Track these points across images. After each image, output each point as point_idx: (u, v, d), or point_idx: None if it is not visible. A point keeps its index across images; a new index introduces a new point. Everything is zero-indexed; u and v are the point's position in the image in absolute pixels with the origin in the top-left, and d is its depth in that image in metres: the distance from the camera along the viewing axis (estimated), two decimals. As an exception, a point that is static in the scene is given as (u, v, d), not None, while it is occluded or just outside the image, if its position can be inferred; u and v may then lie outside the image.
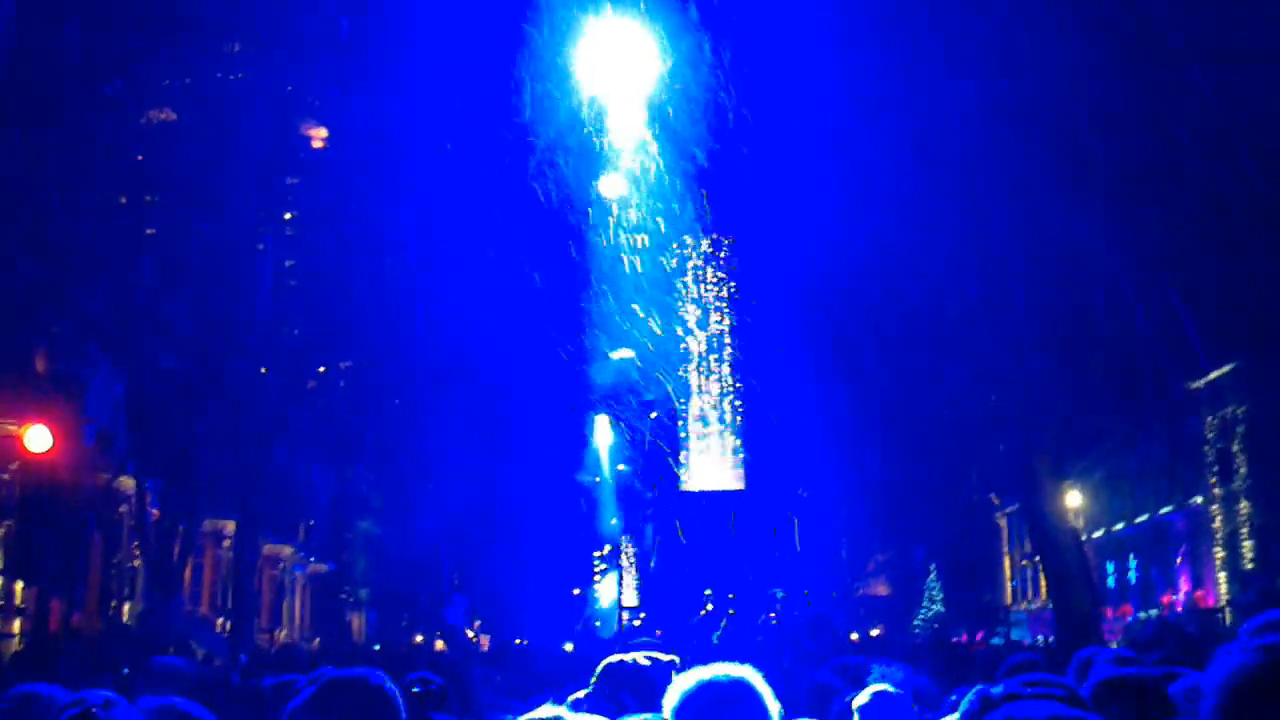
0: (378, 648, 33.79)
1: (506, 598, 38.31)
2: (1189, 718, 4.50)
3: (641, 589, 35.39)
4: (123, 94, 28.13)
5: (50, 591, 30.96)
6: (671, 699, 4.16)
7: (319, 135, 34.81)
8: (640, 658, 5.26)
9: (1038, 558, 32.70)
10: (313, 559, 44.93)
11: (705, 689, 4.09)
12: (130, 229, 29.92)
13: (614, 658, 5.29)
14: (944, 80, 21.74)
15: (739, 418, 36.41)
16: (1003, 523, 46.16)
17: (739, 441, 36.65)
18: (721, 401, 35.92)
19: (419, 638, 41.35)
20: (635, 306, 32.03)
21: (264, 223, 33.47)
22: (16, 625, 30.44)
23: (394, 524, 37.94)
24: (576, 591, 35.09)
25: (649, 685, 4.99)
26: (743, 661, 4.42)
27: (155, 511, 33.25)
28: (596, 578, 35.32)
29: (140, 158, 29.71)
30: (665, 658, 5.27)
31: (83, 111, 27.48)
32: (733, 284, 36.32)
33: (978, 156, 21.88)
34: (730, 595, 33.59)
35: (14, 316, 28.67)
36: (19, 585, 30.61)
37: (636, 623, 34.70)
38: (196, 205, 30.09)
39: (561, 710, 4.30)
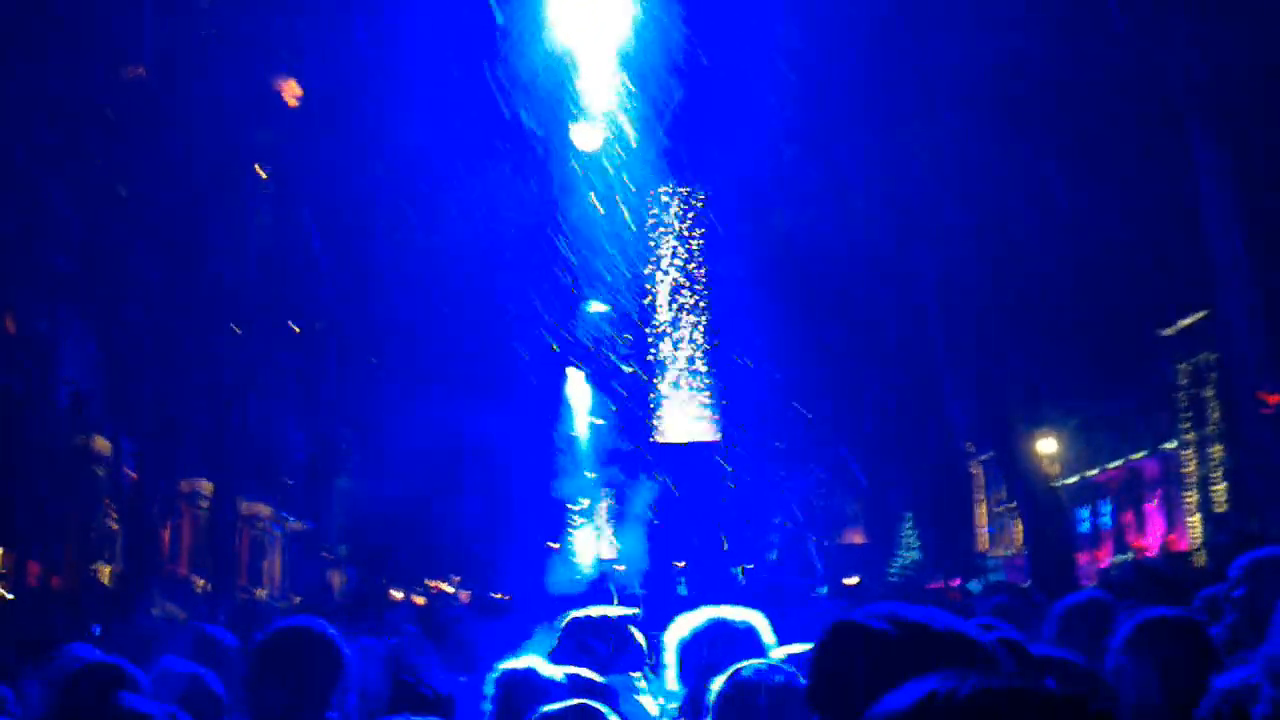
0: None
1: (484, 552, 38.48)
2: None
3: (617, 541, 35.59)
4: (92, 49, 27.83)
5: (27, 553, 30.92)
6: (679, 634, 4.26)
7: (291, 90, 34.53)
8: (604, 610, 5.40)
9: (1013, 504, 32.99)
10: (291, 517, 44.92)
11: (712, 627, 4.20)
12: (100, 186, 29.70)
13: (577, 612, 5.42)
14: (912, 35, 21.74)
15: (713, 369, 36.46)
16: (977, 470, 46.44)
17: (713, 394, 36.72)
18: (696, 353, 35.94)
19: (399, 593, 41.54)
20: (611, 258, 31.95)
21: (236, 178, 33.24)
22: (-7, 587, 30.42)
23: (372, 480, 37.98)
24: (555, 545, 35.26)
25: (615, 633, 5.15)
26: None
27: (131, 472, 33.18)
28: (574, 531, 35.50)
29: (110, 114, 29.45)
30: (627, 611, 5.43)
31: (50, 66, 27.20)
32: (703, 236, 36.25)
33: (943, 109, 21.92)
34: (681, 565, 33.83)
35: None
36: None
37: (619, 568, 34.94)
38: (167, 161, 29.85)
39: (537, 660, 4.39)
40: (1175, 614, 4.36)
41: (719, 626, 4.24)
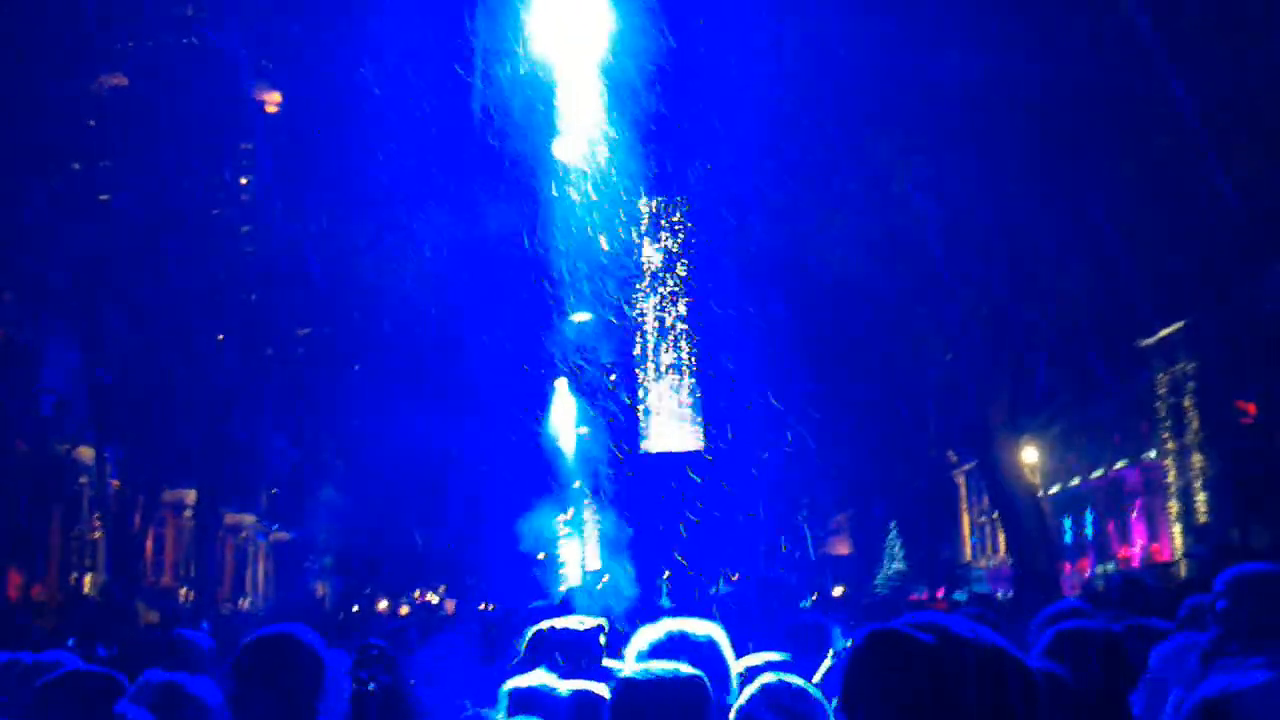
0: (346, 613, 33.94)
1: (469, 563, 38.47)
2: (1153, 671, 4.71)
3: (603, 552, 35.55)
4: (75, 58, 27.86)
5: (9, 562, 30.82)
6: (638, 647, 4.32)
7: (272, 99, 34.54)
8: (568, 622, 5.44)
9: (996, 515, 33.10)
10: (275, 527, 44.89)
11: (671, 640, 4.24)
12: (83, 196, 29.68)
13: (542, 624, 5.47)
14: (896, 43, 21.85)
15: (696, 379, 36.54)
16: (961, 480, 46.61)
17: (698, 403, 36.79)
18: (679, 363, 36.01)
19: (384, 603, 41.53)
20: (593, 269, 31.95)
21: (218, 188, 33.20)
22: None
23: (355, 491, 37.94)
24: (542, 555, 35.21)
25: (578, 647, 5.19)
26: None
27: (115, 481, 33.11)
28: (560, 542, 35.46)
29: (92, 123, 29.43)
30: (592, 621, 5.45)
31: (33, 74, 27.19)
32: (687, 246, 36.30)
33: (928, 118, 22.04)
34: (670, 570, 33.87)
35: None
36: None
37: (599, 586, 34.86)
38: (150, 171, 29.85)
39: (545, 675, 4.45)
40: (1092, 625, 4.57)
41: (678, 640, 4.28)
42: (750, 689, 3.93)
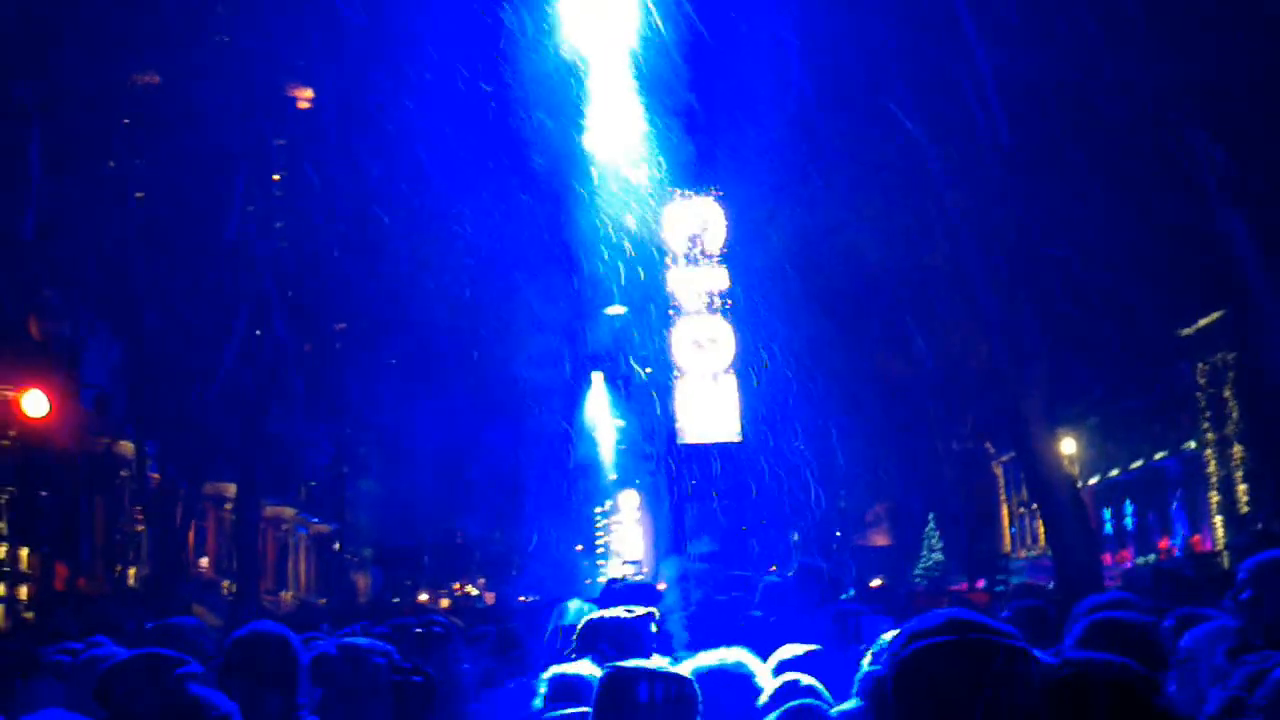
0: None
1: (508, 555, 38.64)
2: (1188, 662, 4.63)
3: (643, 543, 35.65)
4: (108, 52, 28.07)
5: (53, 556, 31.17)
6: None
7: (304, 95, 34.71)
8: (619, 612, 5.46)
9: (1035, 506, 32.93)
10: (315, 519, 45.19)
11: (705, 676, 4.26)
12: (120, 192, 29.94)
13: (594, 614, 5.50)
14: (934, 30, 21.76)
15: (734, 370, 36.42)
16: (999, 471, 46.42)
17: (736, 394, 36.67)
18: (716, 354, 35.93)
19: (424, 595, 41.73)
20: (628, 260, 31.99)
21: (253, 184, 33.40)
22: (24, 591, 30.72)
23: (394, 483, 38.16)
24: (580, 548, 35.35)
25: (629, 637, 5.20)
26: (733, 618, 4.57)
27: (155, 475, 33.42)
28: (599, 533, 35.57)
29: (126, 120, 29.68)
30: (642, 610, 5.46)
31: (66, 72, 27.43)
32: (722, 235, 36.14)
33: (966, 105, 21.93)
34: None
35: (6, 281, 28.73)
36: (23, 551, 30.84)
37: (639, 576, 34.97)
38: (184, 167, 30.06)
39: (588, 665, 4.49)
40: (1128, 616, 4.49)
41: (715, 675, 4.30)
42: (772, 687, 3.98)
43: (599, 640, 5.28)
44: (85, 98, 27.75)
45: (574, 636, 5.50)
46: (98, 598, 31.45)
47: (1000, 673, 2.28)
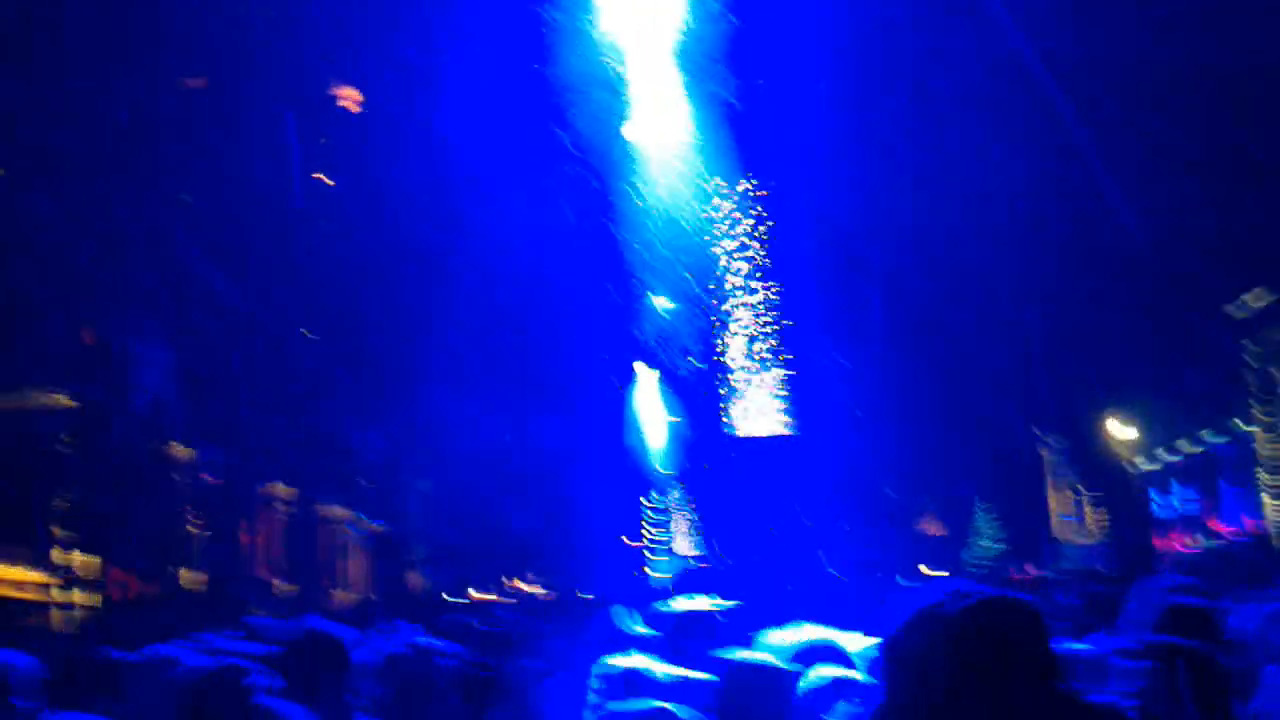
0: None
1: (562, 551, 38.78)
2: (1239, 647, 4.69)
3: (695, 536, 35.79)
4: (158, 61, 28.43)
5: (111, 561, 31.62)
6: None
7: (351, 95, 34.98)
8: (705, 603, 5.53)
9: (1087, 490, 32.79)
10: (369, 519, 45.49)
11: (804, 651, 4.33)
12: (169, 197, 30.30)
13: (680, 604, 5.56)
14: (973, 24, 21.72)
15: (782, 361, 36.51)
16: (1049, 456, 46.12)
17: (784, 385, 36.78)
18: (763, 345, 36.01)
19: (480, 593, 41.96)
20: (673, 253, 32.06)
21: (301, 186, 33.69)
22: (80, 595, 31.12)
23: (446, 481, 38.45)
24: (631, 541, 35.49)
25: (714, 630, 5.27)
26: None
27: (212, 478, 33.83)
28: (650, 528, 35.70)
29: (172, 124, 30.03)
30: (729, 603, 5.52)
31: (114, 77, 27.77)
32: (766, 224, 36.19)
33: (1013, 90, 21.86)
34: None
35: (61, 289, 29.16)
36: (81, 556, 31.28)
37: (701, 564, 35.08)
38: (232, 169, 30.38)
39: (644, 659, 4.58)
40: (1194, 602, 4.57)
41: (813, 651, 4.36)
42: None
43: (688, 631, 5.35)
44: (131, 102, 28.11)
45: (653, 628, 5.57)
46: (155, 601, 31.89)
47: (1008, 633, 2.37)
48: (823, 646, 4.38)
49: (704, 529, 35.00)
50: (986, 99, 22.55)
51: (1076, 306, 23.36)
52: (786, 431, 36.26)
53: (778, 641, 4.47)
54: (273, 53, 30.94)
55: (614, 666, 4.67)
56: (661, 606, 5.80)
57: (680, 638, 5.28)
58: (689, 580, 29.61)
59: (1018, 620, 2.45)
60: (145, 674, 5.15)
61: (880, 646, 2.55)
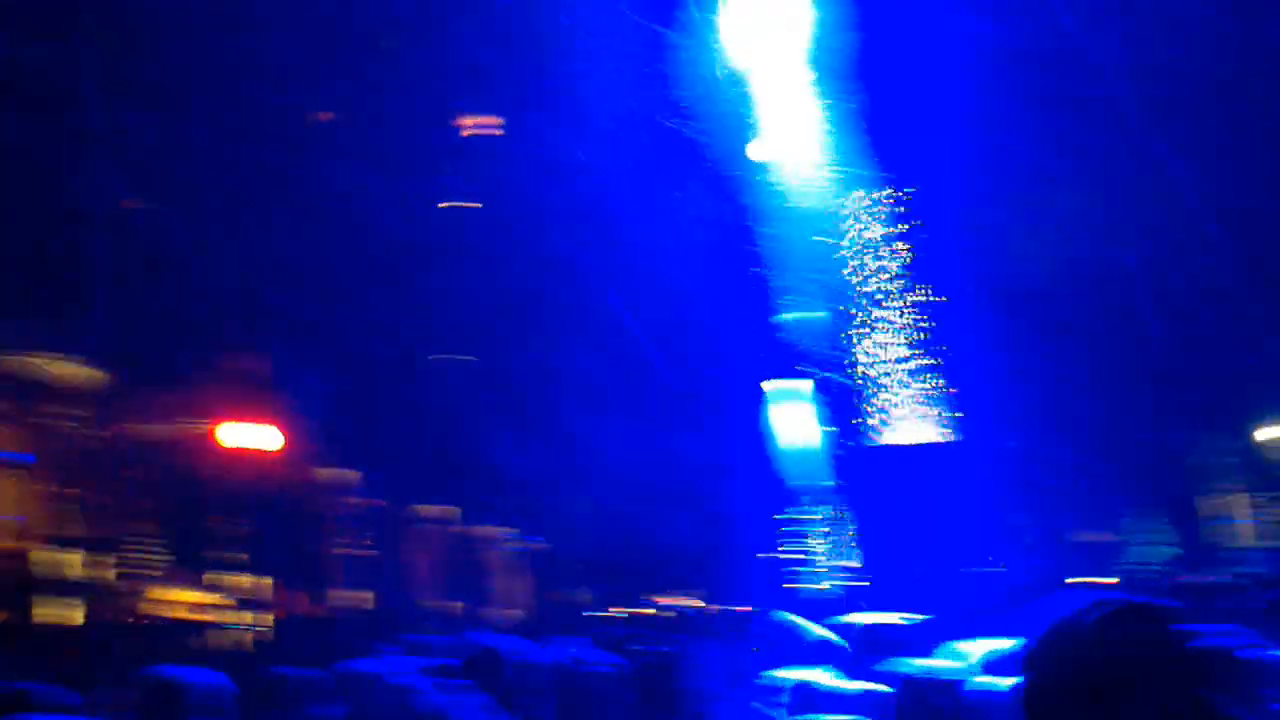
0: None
1: (712, 563, 38.74)
2: None
3: (849, 548, 35.40)
4: (294, 98, 29.34)
5: (287, 584, 32.63)
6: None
7: (492, 122, 35.53)
8: (887, 616, 5.48)
9: (1263, 493, 31.63)
10: (530, 537, 46.06)
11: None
12: (326, 225, 31.17)
13: (859, 617, 5.51)
14: (1099, 35, 21.27)
15: (936, 366, 35.93)
16: (1222, 458, 44.63)
17: (937, 392, 36.18)
18: (914, 352, 35.50)
19: (638, 608, 42.11)
20: (812, 263, 31.87)
21: (445, 213, 34.25)
22: (253, 616, 32.10)
23: (601, 497, 38.70)
24: (780, 553, 35.32)
25: (899, 642, 5.21)
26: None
27: (375, 501, 34.68)
28: (800, 540, 35.43)
29: (312, 155, 30.93)
30: (913, 616, 5.46)
31: (249, 104, 28.68)
32: (912, 225, 35.64)
33: (1183, 101, 21.33)
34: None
35: (224, 317, 30.23)
36: (252, 578, 32.29)
37: (862, 583, 34.74)
38: (384, 195, 31.09)
39: (822, 674, 4.56)
40: None
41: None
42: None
43: (872, 644, 5.33)
44: (271, 136, 29.07)
45: (834, 644, 5.53)
46: (324, 621, 32.75)
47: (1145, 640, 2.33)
48: (1010, 656, 4.31)
49: (859, 540, 34.59)
50: (1146, 100, 22.01)
51: (1252, 304, 22.61)
52: (940, 439, 35.65)
53: (963, 652, 4.41)
54: (418, 80, 31.63)
55: (784, 679, 4.67)
56: (837, 619, 5.76)
57: (864, 650, 5.25)
58: (862, 594, 29.31)
59: (1150, 630, 2.42)
60: (330, 689, 5.31)
61: (1017, 658, 2.53)
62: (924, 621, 5.41)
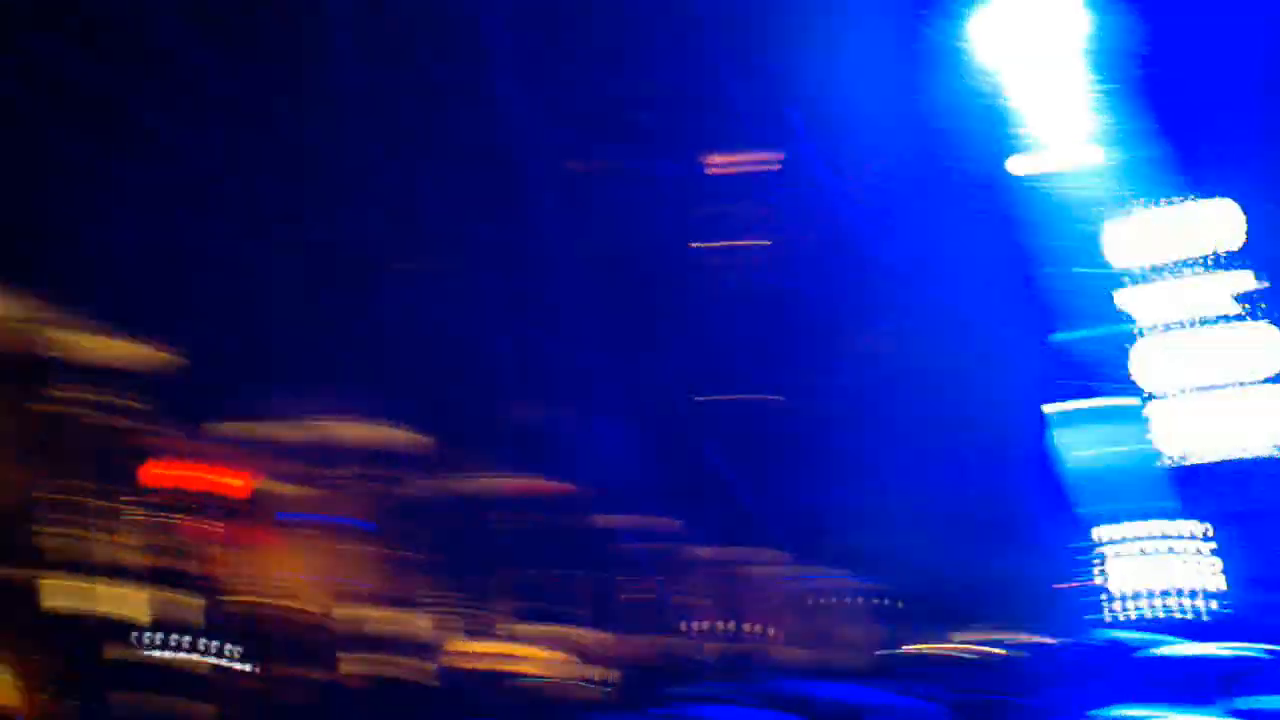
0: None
1: (1013, 595, 37.29)
2: None
3: (1159, 575, 33.22)
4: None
5: (587, 625, 34.31)
6: None
7: (761, 157, 36.20)
8: (1220, 648, 5.42)
9: None
10: (852, 579, 45.77)
11: None
12: (603, 279, 32.85)
13: (1185, 649, 5.41)
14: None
15: (1248, 374, 33.32)
16: None
17: (1246, 403, 33.50)
18: (1210, 367, 33.14)
19: (958, 647, 40.94)
20: (1093, 279, 30.68)
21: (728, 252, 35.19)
22: (591, 669, 33.85)
23: (899, 530, 38.27)
24: (1080, 582, 33.69)
25: (1249, 677, 5.09)
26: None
27: (670, 546, 35.90)
28: (1102, 567, 33.70)
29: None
30: (1254, 647, 5.26)
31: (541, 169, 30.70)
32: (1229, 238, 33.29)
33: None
34: None
35: (524, 374, 32.41)
36: (585, 631, 34.10)
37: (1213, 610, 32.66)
38: (658, 249, 32.43)
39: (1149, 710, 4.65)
40: None
41: None
42: None
43: (1228, 680, 5.24)
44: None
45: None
46: (659, 668, 34.06)
47: None
48: None
49: (1172, 568, 32.57)
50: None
51: None
52: (1253, 454, 32.99)
53: None
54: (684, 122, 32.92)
55: (1125, 718, 4.75)
56: (1158, 650, 5.56)
57: (1214, 686, 5.12)
58: (1202, 622, 27.74)
59: None
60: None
61: None
62: (1269, 653, 5.19)
